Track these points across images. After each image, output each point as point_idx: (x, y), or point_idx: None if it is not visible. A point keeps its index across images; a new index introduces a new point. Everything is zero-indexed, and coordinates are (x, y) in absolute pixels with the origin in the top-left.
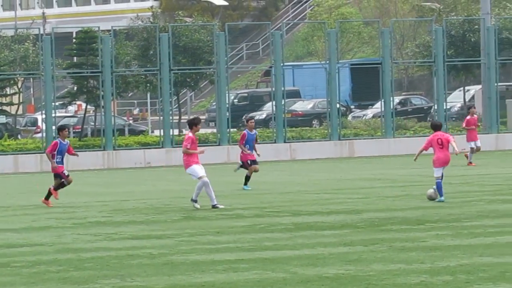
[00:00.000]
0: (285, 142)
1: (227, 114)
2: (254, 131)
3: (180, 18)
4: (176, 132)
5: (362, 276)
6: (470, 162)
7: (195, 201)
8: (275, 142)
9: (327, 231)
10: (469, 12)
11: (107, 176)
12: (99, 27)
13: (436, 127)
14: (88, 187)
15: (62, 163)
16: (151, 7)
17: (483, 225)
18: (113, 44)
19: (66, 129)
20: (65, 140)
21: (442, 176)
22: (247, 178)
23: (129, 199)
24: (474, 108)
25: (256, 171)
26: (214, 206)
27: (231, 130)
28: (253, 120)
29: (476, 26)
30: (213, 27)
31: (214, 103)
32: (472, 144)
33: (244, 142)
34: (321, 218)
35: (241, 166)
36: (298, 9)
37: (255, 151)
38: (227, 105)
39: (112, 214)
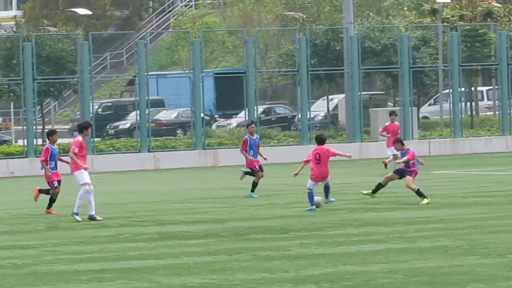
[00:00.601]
0: (149, 151)
1: (91, 123)
2: (256, 135)
3: (44, 27)
4: (40, 141)
5: (227, 285)
6: (384, 161)
7: (77, 214)
8: (139, 152)
9: (191, 240)
10: (333, 21)
11: None
12: None
13: (319, 141)
14: None
15: (56, 169)
16: (14, 16)
17: (346, 234)
18: None
19: (56, 134)
20: (55, 145)
21: (328, 188)
22: (255, 185)
23: None
24: (395, 115)
25: (262, 177)
26: (91, 217)
27: (95, 139)
28: (253, 125)
29: (340, 36)
30: (76, 37)
31: (78, 113)
32: (394, 151)
33: (246, 147)
34: (185, 227)
35: (247, 173)
36: (162, 18)
37: (261, 155)
38: (91, 115)
39: None
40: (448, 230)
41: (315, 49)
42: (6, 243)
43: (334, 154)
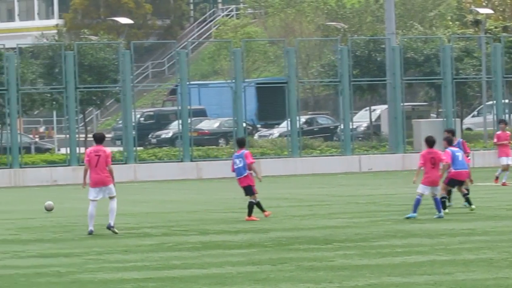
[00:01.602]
0: (191, 161)
1: (133, 132)
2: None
3: (86, 36)
4: (82, 150)
5: None
6: (504, 183)
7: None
8: (181, 161)
9: (235, 250)
10: (374, 32)
11: (14, 194)
12: (4, 45)
13: (430, 143)
14: None
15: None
16: (57, 25)
17: (390, 245)
18: (18, 62)
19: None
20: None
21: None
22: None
23: (36, 217)
24: (505, 123)
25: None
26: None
27: (138, 148)
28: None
29: (382, 46)
30: (118, 46)
31: (120, 122)
32: (504, 161)
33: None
34: (229, 237)
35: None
36: (203, 28)
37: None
38: (133, 124)
39: (19, 232)
40: (493, 243)
41: (357, 60)
42: (50, 251)
43: (442, 161)
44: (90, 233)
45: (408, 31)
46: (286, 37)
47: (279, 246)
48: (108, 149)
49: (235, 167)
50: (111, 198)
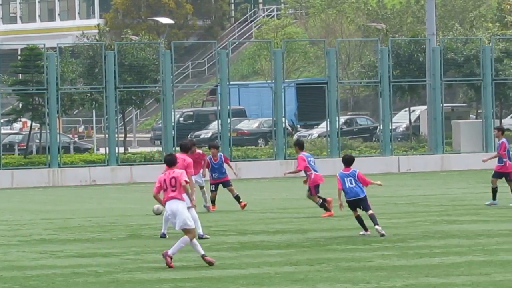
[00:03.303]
0: (231, 161)
1: (173, 132)
2: None
3: (126, 36)
4: (121, 150)
5: None
6: None
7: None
8: None
9: (273, 250)
10: (415, 32)
11: (52, 194)
12: (44, 44)
13: None
14: (33, 205)
15: None
16: (98, 25)
17: (428, 246)
18: (59, 61)
19: None
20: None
21: None
22: None
23: (74, 217)
24: None
25: None
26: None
27: (177, 148)
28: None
29: (422, 47)
30: (158, 46)
31: (159, 122)
32: None
33: None
34: (267, 237)
35: None
36: (244, 28)
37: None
38: (173, 124)
39: (57, 232)
40: None
41: (397, 60)
42: (88, 250)
43: None
44: (163, 236)
45: (449, 32)
46: (327, 37)
47: (317, 246)
48: (189, 159)
49: None
50: (189, 208)
